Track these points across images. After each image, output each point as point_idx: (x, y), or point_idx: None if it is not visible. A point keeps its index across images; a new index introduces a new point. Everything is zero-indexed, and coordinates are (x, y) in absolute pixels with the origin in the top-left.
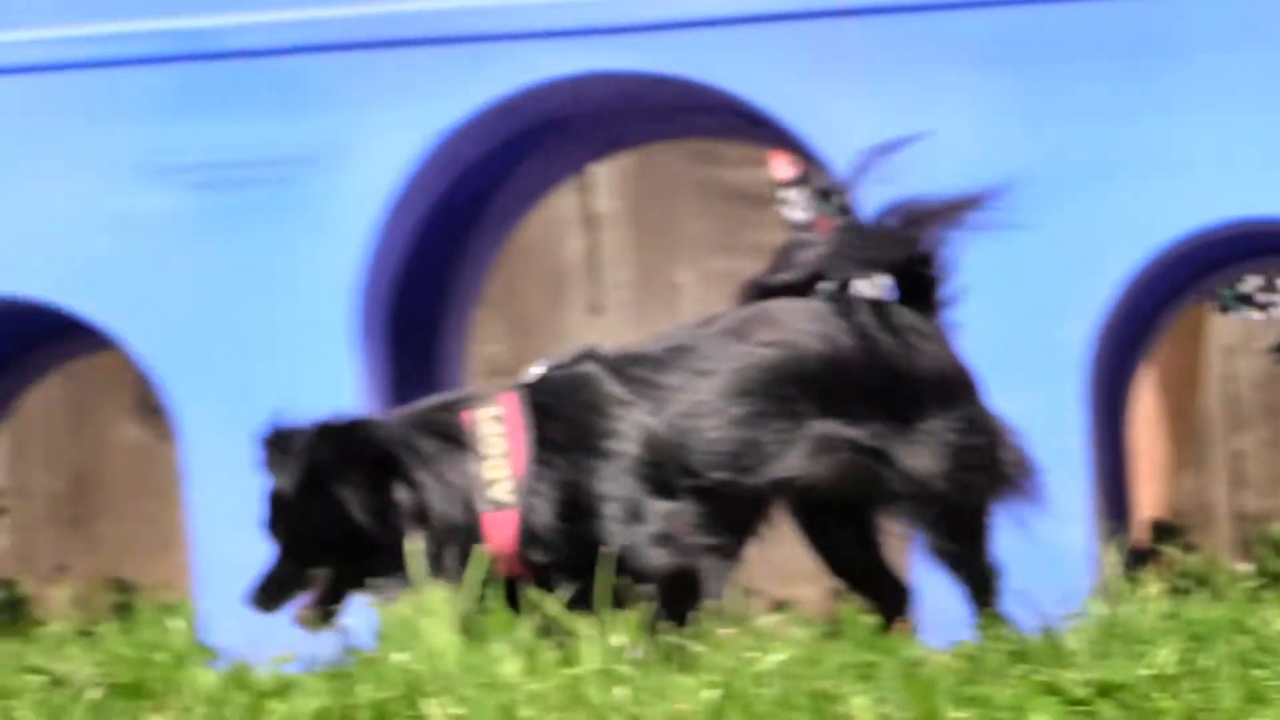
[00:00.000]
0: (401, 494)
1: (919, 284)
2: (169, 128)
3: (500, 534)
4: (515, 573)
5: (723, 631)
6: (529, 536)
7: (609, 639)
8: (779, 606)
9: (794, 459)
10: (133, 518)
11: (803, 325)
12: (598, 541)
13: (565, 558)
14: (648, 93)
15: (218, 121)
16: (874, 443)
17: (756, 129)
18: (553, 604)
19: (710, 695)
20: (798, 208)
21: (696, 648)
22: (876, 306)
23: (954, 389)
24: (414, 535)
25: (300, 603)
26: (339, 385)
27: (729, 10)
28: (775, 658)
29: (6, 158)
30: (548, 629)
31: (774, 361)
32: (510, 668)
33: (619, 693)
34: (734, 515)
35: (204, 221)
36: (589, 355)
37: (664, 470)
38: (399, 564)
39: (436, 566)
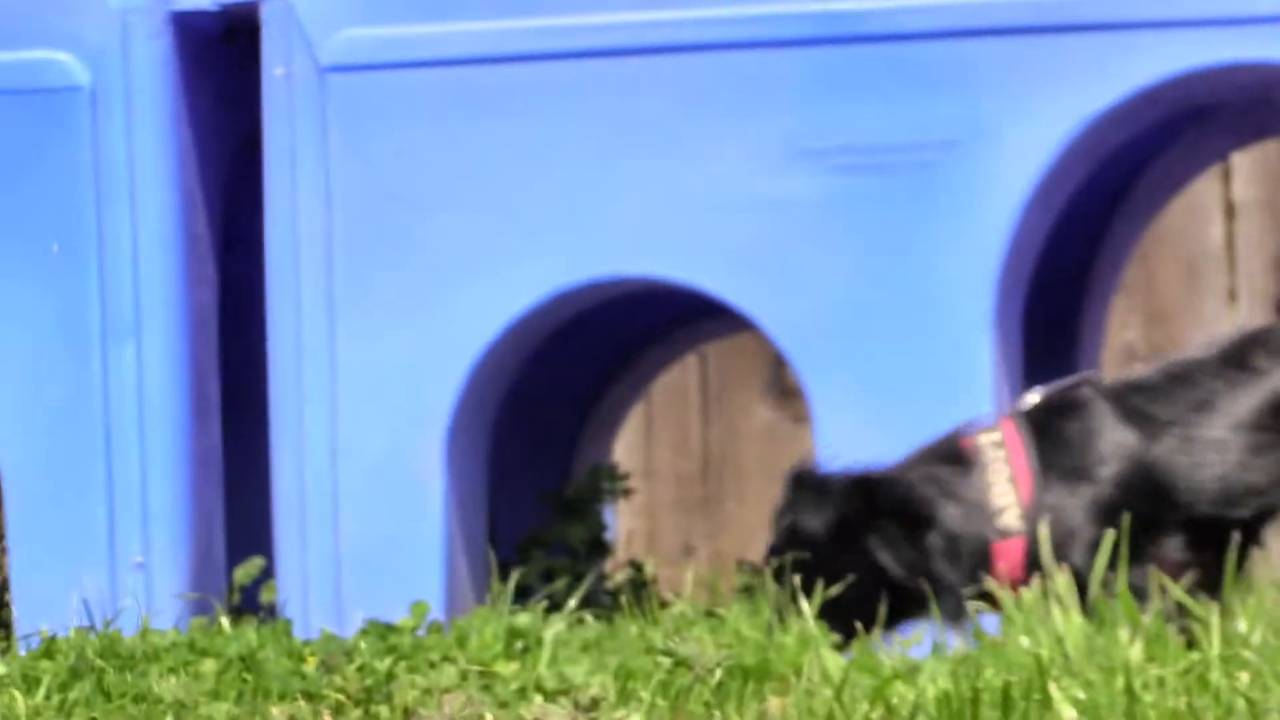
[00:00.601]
0: (934, 539)
1: None
2: (813, 111)
3: (1009, 560)
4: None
5: None
6: (1033, 563)
7: (1232, 624)
8: None
9: (1276, 493)
10: (762, 501)
11: None
12: (1080, 571)
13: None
14: None
15: (862, 105)
16: None
17: None
18: (1178, 589)
19: None
20: None
21: None
22: None
23: None
24: (940, 572)
25: None
26: (974, 373)
27: None
28: None
29: (652, 140)
30: (1171, 615)
31: (1269, 391)
32: (1134, 652)
33: (1242, 678)
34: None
35: (846, 206)
36: (1085, 382)
37: (1147, 501)
38: (905, 609)
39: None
